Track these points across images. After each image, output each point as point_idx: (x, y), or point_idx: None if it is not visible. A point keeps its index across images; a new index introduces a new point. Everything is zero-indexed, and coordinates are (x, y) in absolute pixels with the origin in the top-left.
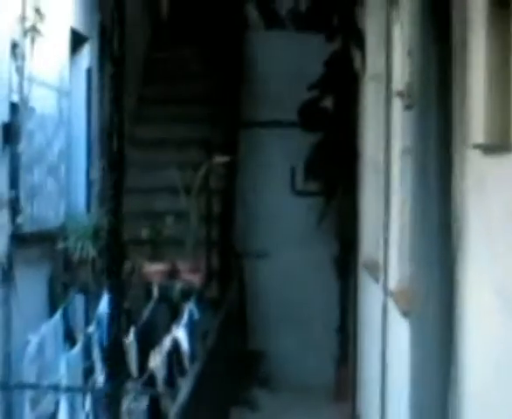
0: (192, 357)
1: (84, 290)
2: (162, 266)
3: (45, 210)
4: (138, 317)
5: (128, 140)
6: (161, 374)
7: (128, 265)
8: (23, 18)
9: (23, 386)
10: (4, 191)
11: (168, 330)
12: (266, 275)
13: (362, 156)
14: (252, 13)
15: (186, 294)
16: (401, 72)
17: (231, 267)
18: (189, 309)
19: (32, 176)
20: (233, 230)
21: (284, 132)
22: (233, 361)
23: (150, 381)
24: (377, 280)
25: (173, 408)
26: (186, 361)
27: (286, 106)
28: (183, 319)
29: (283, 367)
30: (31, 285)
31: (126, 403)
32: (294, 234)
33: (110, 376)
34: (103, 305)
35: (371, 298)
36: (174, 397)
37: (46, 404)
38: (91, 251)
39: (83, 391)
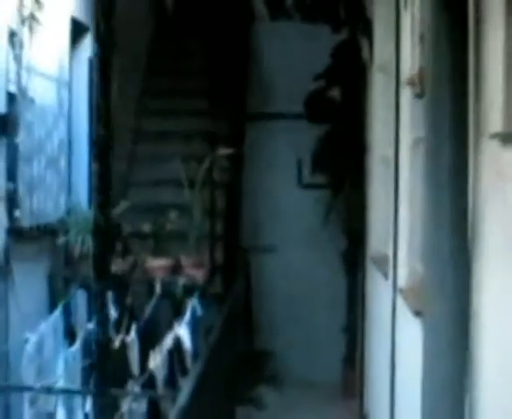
0: (195, 355)
1: (85, 285)
2: (164, 261)
3: (45, 204)
4: (140, 314)
5: (132, 132)
6: (161, 375)
7: (130, 260)
8: (21, 6)
9: (21, 388)
10: (1, 184)
11: (170, 327)
12: (273, 270)
13: (370, 148)
14: (258, 4)
15: (189, 290)
16: (411, 61)
17: (236, 262)
18: (192, 305)
19: (31, 169)
20: (239, 224)
21: (290, 124)
22: (238, 359)
23: (150, 382)
24: (385, 275)
25: (173, 411)
26: (188, 360)
27: (292, 98)
28: (186, 316)
29: (289, 365)
30: (30, 280)
31: (126, 404)
32: (300, 228)
33: (105, 378)
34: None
35: (380, 294)
36: (174, 399)
37: (45, 402)
38: (92, 246)
39: (82, 393)
